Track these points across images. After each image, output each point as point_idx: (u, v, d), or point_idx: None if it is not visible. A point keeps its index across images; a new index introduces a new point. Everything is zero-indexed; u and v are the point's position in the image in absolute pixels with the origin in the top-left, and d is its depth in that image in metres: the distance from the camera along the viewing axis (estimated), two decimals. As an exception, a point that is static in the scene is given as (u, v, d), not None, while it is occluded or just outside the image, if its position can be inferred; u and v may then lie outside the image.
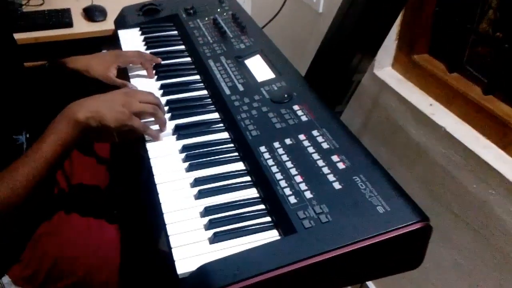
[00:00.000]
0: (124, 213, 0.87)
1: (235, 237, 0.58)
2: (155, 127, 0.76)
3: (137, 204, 0.92)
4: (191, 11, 1.16)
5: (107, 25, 1.30)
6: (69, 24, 1.25)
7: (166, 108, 0.84)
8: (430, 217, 0.59)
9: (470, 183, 0.94)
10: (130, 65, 0.95)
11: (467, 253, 0.98)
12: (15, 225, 0.71)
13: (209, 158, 0.72)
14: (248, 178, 0.69)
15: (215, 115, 0.84)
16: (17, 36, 1.18)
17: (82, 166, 0.94)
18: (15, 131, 0.68)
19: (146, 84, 0.92)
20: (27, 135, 0.74)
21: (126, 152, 1.03)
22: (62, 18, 1.25)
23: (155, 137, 0.75)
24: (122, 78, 0.92)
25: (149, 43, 1.08)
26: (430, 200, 1.06)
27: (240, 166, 0.72)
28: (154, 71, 0.96)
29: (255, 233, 0.59)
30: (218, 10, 1.17)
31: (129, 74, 0.94)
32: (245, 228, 0.60)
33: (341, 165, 0.66)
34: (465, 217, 0.97)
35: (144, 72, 0.95)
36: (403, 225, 0.57)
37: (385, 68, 1.20)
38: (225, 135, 0.79)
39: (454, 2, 1.04)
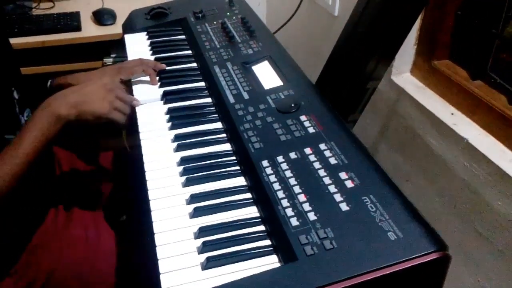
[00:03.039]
0: (122, 225, 0.85)
1: (231, 263, 0.54)
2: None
3: (134, 217, 0.89)
4: (200, 14, 1.13)
5: (116, 29, 1.28)
6: (78, 28, 1.23)
7: (167, 117, 0.80)
8: (450, 235, 0.53)
9: (495, 199, 0.87)
10: (134, 75, 0.91)
11: (491, 275, 0.91)
12: (4, 230, 0.69)
13: (208, 172, 0.68)
14: (248, 195, 0.64)
15: (218, 125, 0.79)
16: (24, 39, 1.18)
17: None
18: (7, 131, 0.68)
19: (149, 91, 0.89)
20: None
21: (129, 163, 1.00)
22: (70, 21, 1.24)
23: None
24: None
25: (155, 48, 1.04)
26: (451, 216, 0.99)
27: (241, 181, 0.67)
28: (158, 77, 0.92)
29: (252, 258, 0.55)
30: (228, 13, 1.13)
31: (132, 81, 0.91)
32: (242, 253, 0.55)
33: (349, 184, 0.60)
34: (489, 235, 0.90)
35: (147, 78, 0.91)
36: (417, 255, 0.51)
37: (403, 74, 1.14)
38: (227, 146, 0.74)
39: (477, 5, 0.97)
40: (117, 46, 1.29)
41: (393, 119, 1.16)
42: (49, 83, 0.87)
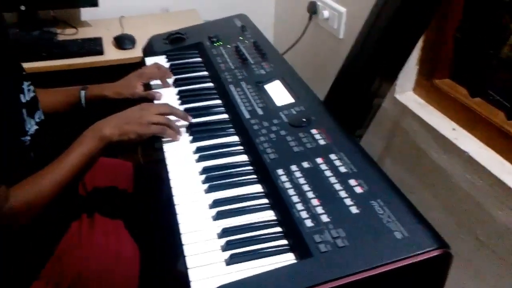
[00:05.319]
0: (144, 231, 0.90)
1: (251, 259, 0.59)
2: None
3: (156, 223, 0.94)
4: (215, 39, 1.21)
5: (136, 52, 1.37)
6: (100, 52, 1.33)
7: (188, 131, 0.87)
8: (453, 244, 0.58)
9: (495, 209, 0.92)
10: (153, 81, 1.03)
11: (493, 282, 0.94)
12: (36, 232, 0.74)
13: (227, 180, 0.74)
14: (265, 201, 0.70)
15: (235, 138, 0.86)
16: (52, 63, 1.28)
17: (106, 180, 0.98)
18: (22, 134, 0.74)
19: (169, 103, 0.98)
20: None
21: (145, 174, 1.06)
22: (94, 46, 1.33)
23: (174, 138, 0.83)
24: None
25: (174, 69, 1.12)
26: (454, 226, 1.03)
27: (258, 188, 0.73)
28: (179, 96, 1.01)
29: (271, 255, 0.60)
30: (241, 38, 1.22)
31: (152, 88, 1.02)
32: (262, 251, 0.60)
33: (358, 190, 0.66)
34: (490, 244, 0.94)
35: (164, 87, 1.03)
36: (421, 251, 0.56)
37: (406, 92, 1.21)
38: (244, 157, 0.80)
39: (475, 28, 1.04)
40: (136, 68, 1.37)
41: (397, 134, 1.21)
42: (82, 94, 0.95)
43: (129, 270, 0.82)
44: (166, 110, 0.84)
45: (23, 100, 0.75)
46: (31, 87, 0.79)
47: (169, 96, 1.01)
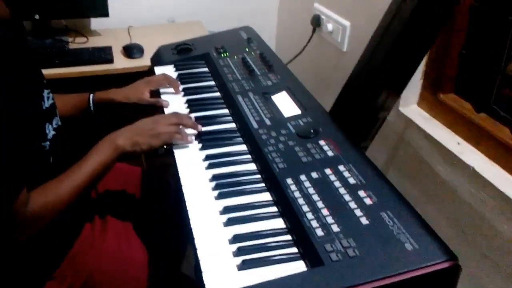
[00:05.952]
0: (151, 234, 0.90)
1: (263, 266, 0.59)
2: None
3: (162, 227, 0.95)
4: (221, 50, 1.23)
5: (144, 61, 1.38)
6: (111, 60, 1.35)
7: (197, 140, 0.88)
8: (458, 258, 0.58)
9: (500, 224, 0.92)
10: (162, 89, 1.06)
11: (500, 298, 0.94)
12: (50, 234, 0.76)
13: (237, 188, 0.74)
14: (274, 209, 0.70)
15: (243, 147, 0.87)
16: (64, 70, 1.29)
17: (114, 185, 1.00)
18: (42, 139, 0.76)
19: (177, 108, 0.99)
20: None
21: (155, 182, 1.07)
22: (104, 55, 1.35)
23: (184, 141, 0.85)
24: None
25: (182, 79, 1.14)
26: (458, 240, 1.03)
27: (266, 196, 0.73)
28: (187, 104, 1.02)
29: (282, 263, 0.60)
30: (247, 49, 1.23)
31: (162, 96, 1.04)
32: (272, 258, 0.60)
33: (368, 201, 0.66)
34: (495, 259, 0.94)
35: (171, 93, 1.05)
36: (431, 263, 0.56)
37: (410, 105, 1.22)
38: (252, 166, 0.81)
39: (481, 45, 1.06)
40: (144, 76, 1.39)
41: (401, 148, 1.22)
42: (91, 98, 0.98)
43: (138, 272, 0.83)
44: (176, 120, 0.86)
45: (43, 107, 0.77)
46: (50, 95, 0.81)
47: (177, 104, 1.02)
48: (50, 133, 0.78)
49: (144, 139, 0.81)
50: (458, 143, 1.07)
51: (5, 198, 0.65)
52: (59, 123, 0.84)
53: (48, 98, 0.80)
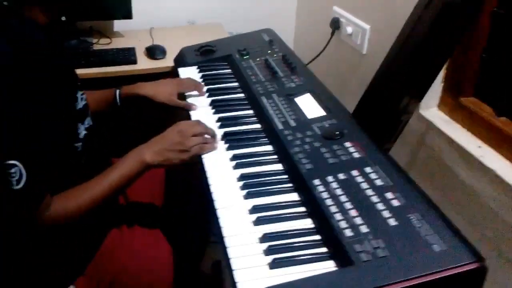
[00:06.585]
0: (175, 233, 0.93)
1: (293, 265, 0.61)
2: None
3: (187, 228, 0.97)
4: (244, 52, 1.25)
5: (166, 62, 1.41)
6: (134, 61, 1.38)
7: (223, 139, 0.90)
8: None
9: (523, 228, 0.92)
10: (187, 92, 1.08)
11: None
12: (80, 236, 0.78)
13: (264, 188, 0.76)
14: (302, 209, 0.72)
15: (269, 148, 0.89)
16: (90, 70, 1.32)
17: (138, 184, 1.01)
18: (75, 141, 0.79)
19: (201, 117, 1.00)
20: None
21: (179, 179, 1.10)
22: (128, 55, 1.38)
23: (213, 149, 0.86)
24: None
25: (206, 80, 1.16)
26: (480, 244, 1.03)
27: (294, 196, 0.75)
28: (212, 105, 1.05)
29: (311, 262, 0.62)
30: (269, 51, 1.25)
31: (187, 99, 1.07)
32: (302, 257, 0.62)
33: (395, 203, 0.67)
34: (518, 263, 0.94)
35: (196, 98, 1.07)
36: (460, 264, 0.58)
37: (431, 108, 1.22)
38: (279, 166, 0.83)
39: (502, 49, 1.06)
40: (165, 77, 1.42)
41: (422, 150, 1.23)
42: (117, 92, 1.00)
43: (164, 272, 0.85)
44: (202, 130, 0.86)
45: (77, 108, 0.80)
46: (84, 96, 0.84)
47: (202, 105, 1.04)
48: (82, 133, 0.80)
49: (174, 154, 0.81)
50: (479, 147, 1.07)
51: (31, 200, 0.67)
52: (91, 123, 0.86)
53: (82, 99, 0.82)
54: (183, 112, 1.05)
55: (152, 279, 0.84)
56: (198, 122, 0.89)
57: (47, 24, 0.74)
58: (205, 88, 1.11)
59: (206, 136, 0.87)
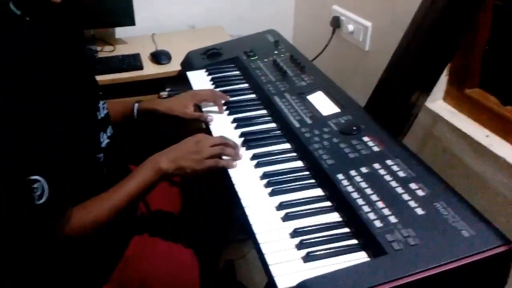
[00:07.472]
0: (194, 237, 0.93)
1: (327, 257, 0.63)
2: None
3: (206, 229, 0.98)
4: (251, 53, 1.26)
5: (172, 67, 1.42)
6: (140, 67, 1.39)
7: (241, 140, 0.91)
8: None
9: (536, 213, 0.94)
10: (204, 102, 1.06)
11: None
12: (103, 244, 0.78)
13: (288, 185, 0.78)
14: (328, 203, 0.74)
15: (287, 146, 0.90)
16: (97, 78, 1.32)
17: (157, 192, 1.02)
18: (97, 151, 0.78)
19: (217, 118, 1.01)
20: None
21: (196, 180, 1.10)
22: (134, 62, 1.39)
23: (229, 167, 0.84)
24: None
25: (216, 82, 1.17)
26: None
27: (318, 192, 0.77)
28: (225, 107, 1.05)
29: (344, 254, 0.63)
30: (275, 52, 1.27)
31: (202, 109, 1.05)
32: (335, 249, 0.64)
33: (420, 192, 0.69)
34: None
35: (214, 108, 1.05)
36: (489, 247, 0.59)
37: (436, 101, 1.25)
38: (299, 163, 0.84)
39: (505, 41, 1.09)
40: (170, 81, 1.43)
41: (430, 142, 1.25)
42: (136, 107, 1.00)
43: (190, 275, 0.86)
44: (221, 141, 0.85)
45: (99, 117, 0.80)
46: (105, 105, 0.83)
47: (215, 107, 1.05)
48: (105, 141, 0.80)
49: (188, 163, 0.80)
50: (487, 136, 1.10)
51: (53, 215, 0.66)
52: (113, 131, 0.85)
53: (103, 108, 0.82)
54: (201, 124, 1.05)
55: (179, 283, 0.85)
56: (220, 136, 0.89)
57: (69, 30, 0.74)
58: (217, 90, 1.12)
59: (227, 149, 0.84)
